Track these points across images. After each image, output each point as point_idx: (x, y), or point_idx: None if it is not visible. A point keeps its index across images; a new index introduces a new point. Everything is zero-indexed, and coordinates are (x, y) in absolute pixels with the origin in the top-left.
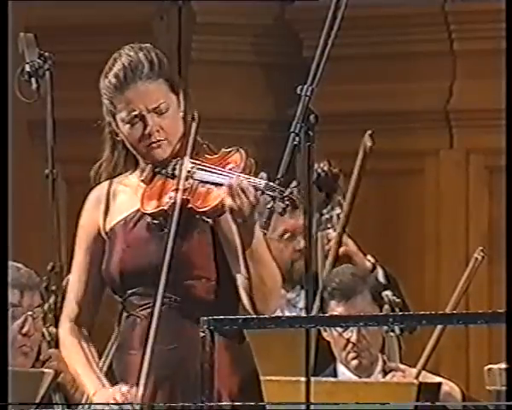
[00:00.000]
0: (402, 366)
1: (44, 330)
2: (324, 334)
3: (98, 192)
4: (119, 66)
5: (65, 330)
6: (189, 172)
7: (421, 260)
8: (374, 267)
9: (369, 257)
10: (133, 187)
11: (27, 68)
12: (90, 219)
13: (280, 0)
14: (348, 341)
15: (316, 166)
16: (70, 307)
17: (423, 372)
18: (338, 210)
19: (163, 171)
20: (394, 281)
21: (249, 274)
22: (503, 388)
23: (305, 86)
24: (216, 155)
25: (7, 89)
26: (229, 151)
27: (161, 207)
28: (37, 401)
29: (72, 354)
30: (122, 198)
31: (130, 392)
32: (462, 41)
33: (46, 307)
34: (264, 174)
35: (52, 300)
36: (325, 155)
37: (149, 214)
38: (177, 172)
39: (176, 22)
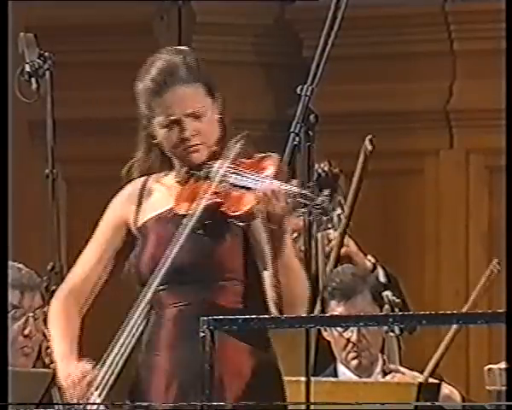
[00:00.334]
0: (402, 369)
1: (45, 330)
2: (324, 334)
3: (132, 188)
4: (157, 70)
5: (60, 294)
6: (223, 175)
7: (421, 260)
8: (374, 267)
9: (369, 257)
10: (168, 187)
11: (27, 68)
12: (120, 212)
13: (280, 0)
14: (348, 341)
15: (316, 166)
16: (76, 279)
17: (421, 375)
18: (338, 210)
19: (197, 173)
20: (395, 281)
21: (277, 280)
22: (503, 388)
23: (305, 86)
24: (250, 160)
25: (7, 89)
26: (263, 156)
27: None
28: (38, 401)
29: (56, 316)
30: (157, 196)
31: (92, 372)
32: (462, 41)
33: (47, 308)
34: (295, 181)
35: None
36: (325, 155)
37: (182, 215)
38: (211, 175)
39: (176, 22)
